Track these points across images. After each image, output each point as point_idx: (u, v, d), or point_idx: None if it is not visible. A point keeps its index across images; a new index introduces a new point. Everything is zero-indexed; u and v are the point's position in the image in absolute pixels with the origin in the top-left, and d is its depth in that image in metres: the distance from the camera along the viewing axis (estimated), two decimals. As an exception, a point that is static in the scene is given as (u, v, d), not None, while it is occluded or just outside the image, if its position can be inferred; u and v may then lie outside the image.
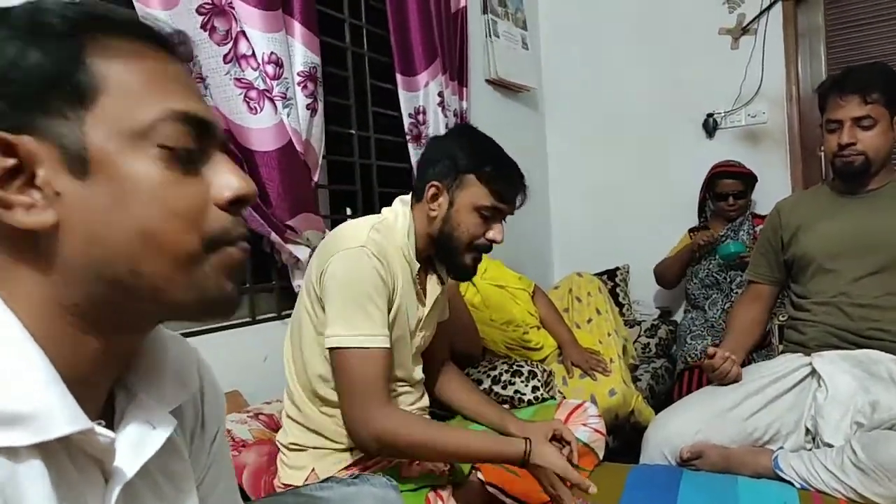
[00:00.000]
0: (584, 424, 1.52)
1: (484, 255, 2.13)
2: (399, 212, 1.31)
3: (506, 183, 1.28)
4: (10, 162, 0.42)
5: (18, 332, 0.42)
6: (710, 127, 2.98)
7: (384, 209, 1.35)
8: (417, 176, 1.35)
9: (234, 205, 0.48)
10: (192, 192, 0.46)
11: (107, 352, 0.47)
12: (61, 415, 0.41)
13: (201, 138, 0.47)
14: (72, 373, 0.44)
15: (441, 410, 1.54)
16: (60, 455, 0.43)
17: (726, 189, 2.68)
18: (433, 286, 1.37)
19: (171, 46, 0.48)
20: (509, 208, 1.31)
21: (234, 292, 0.50)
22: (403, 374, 1.32)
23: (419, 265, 1.30)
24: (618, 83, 3.13)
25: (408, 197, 1.35)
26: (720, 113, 2.96)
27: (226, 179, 0.48)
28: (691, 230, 2.83)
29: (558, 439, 1.33)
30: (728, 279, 2.60)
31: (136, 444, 0.47)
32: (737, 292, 2.52)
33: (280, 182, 1.64)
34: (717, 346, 1.66)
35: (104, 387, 0.49)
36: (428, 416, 1.42)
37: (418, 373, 1.37)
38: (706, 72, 2.96)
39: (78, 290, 0.44)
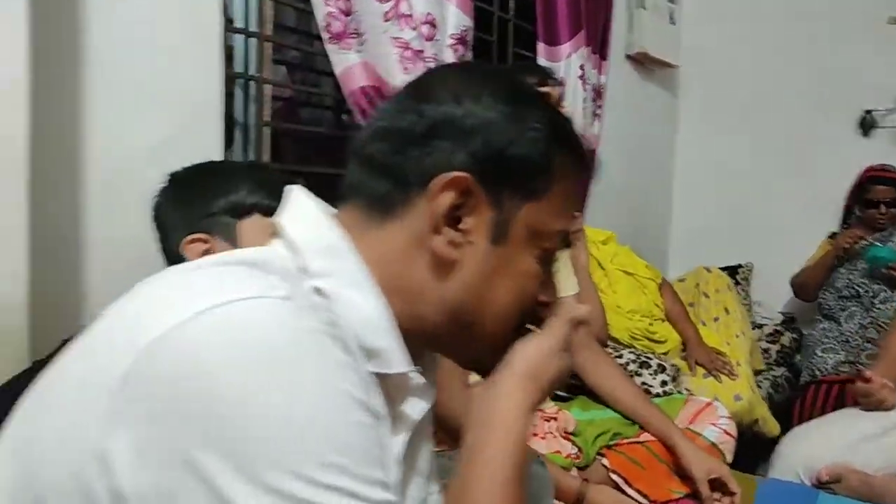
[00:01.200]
0: (714, 424, 1.45)
1: (614, 240, 2.10)
2: None
3: None
4: (459, 201, 0.52)
5: (376, 291, 0.52)
6: (867, 125, 2.73)
7: None
8: None
9: (543, 304, 0.60)
10: (536, 286, 0.58)
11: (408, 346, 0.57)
12: (399, 357, 0.53)
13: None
14: None
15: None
16: (383, 387, 0.53)
17: (879, 196, 2.45)
18: None
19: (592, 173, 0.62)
20: None
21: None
22: None
23: None
24: (765, 66, 2.90)
25: None
26: (880, 110, 2.71)
27: (553, 287, 0.60)
28: (831, 236, 2.62)
29: (721, 486, 1.24)
30: (871, 293, 2.38)
31: (411, 403, 0.57)
32: (879, 308, 2.32)
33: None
34: (854, 364, 1.54)
35: None
36: None
37: None
38: (868, 62, 2.70)
39: (431, 309, 0.55)
